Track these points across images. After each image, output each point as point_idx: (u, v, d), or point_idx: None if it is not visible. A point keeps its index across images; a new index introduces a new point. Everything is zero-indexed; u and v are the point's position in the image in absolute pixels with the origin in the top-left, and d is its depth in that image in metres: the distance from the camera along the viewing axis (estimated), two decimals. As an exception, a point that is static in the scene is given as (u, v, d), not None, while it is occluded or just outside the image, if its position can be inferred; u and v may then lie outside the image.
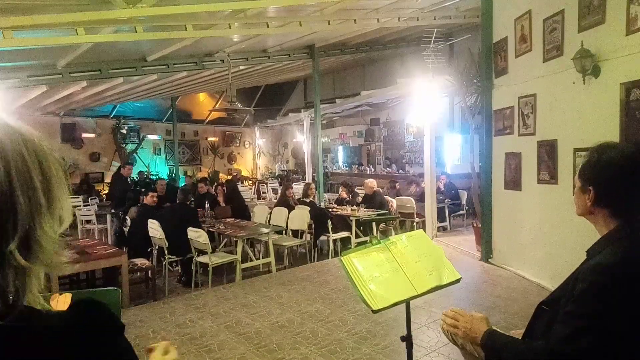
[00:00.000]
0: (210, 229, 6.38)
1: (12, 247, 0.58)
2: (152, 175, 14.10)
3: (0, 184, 0.59)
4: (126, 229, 6.97)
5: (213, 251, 5.93)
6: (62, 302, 1.45)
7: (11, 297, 0.60)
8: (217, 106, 15.89)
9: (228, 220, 7.17)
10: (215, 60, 8.50)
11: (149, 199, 6.87)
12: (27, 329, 0.59)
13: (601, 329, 1.19)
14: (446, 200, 8.70)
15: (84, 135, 14.12)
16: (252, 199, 11.35)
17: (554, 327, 1.30)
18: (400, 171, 12.69)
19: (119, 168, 9.39)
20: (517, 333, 1.68)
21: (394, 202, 8.45)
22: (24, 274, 0.61)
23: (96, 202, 10.41)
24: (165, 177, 14.47)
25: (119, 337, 0.67)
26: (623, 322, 1.19)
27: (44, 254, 0.62)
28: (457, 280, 1.89)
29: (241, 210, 7.96)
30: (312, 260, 6.94)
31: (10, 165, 0.60)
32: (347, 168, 15.21)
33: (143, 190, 8.59)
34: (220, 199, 8.20)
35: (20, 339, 0.58)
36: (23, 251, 0.60)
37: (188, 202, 6.61)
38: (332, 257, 6.87)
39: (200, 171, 16.61)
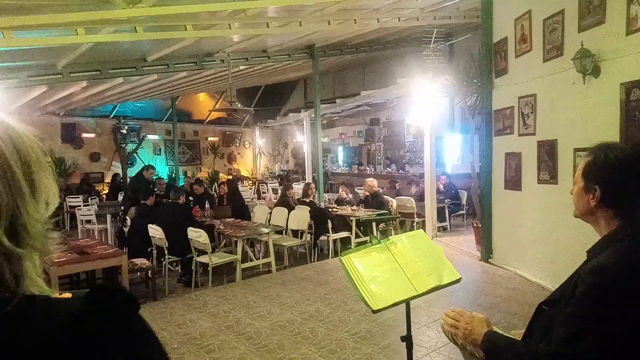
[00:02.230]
0: (210, 224, 6.38)
1: None
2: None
3: None
4: (126, 229, 6.97)
5: (213, 251, 5.93)
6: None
7: (11, 284, 0.58)
8: (217, 106, 15.88)
9: (228, 220, 7.16)
10: (215, 60, 8.50)
11: (150, 199, 6.89)
12: (33, 314, 0.57)
13: (602, 330, 1.18)
14: (446, 200, 8.70)
15: (84, 135, 14.11)
16: (252, 199, 11.35)
17: (555, 329, 1.29)
18: (400, 171, 12.70)
19: (141, 170, 9.48)
20: (517, 333, 1.68)
21: (394, 202, 8.45)
22: (18, 260, 0.60)
23: (96, 202, 10.41)
24: (166, 177, 14.46)
25: (134, 318, 0.65)
26: (624, 324, 1.18)
27: (33, 239, 0.61)
28: (457, 280, 1.89)
29: (241, 210, 7.96)
30: (312, 260, 6.93)
31: None
32: (347, 168, 15.20)
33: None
34: (225, 194, 8.31)
35: (27, 324, 0.56)
36: (11, 237, 0.58)
37: (180, 201, 6.59)
38: (332, 257, 6.87)
39: (200, 171, 16.60)
